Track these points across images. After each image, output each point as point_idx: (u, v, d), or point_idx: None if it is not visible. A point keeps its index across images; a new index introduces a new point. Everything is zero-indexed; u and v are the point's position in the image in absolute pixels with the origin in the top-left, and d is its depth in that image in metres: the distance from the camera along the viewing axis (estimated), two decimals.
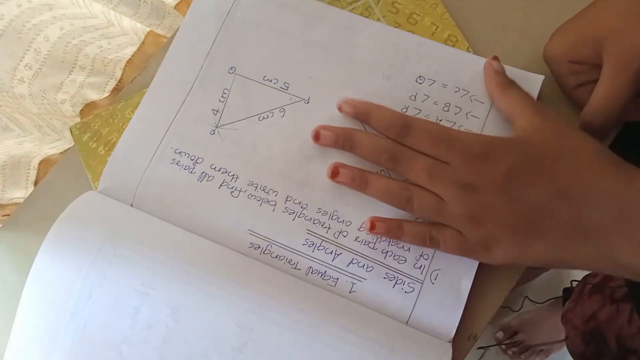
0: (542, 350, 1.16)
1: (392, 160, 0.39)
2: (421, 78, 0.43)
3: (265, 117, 0.44)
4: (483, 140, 0.37)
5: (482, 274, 0.40)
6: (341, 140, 0.41)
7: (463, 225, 0.37)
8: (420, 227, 0.39)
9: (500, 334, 1.20)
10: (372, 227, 0.40)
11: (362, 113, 0.41)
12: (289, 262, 0.41)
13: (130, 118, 0.45)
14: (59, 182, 0.48)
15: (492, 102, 0.42)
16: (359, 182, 0.40)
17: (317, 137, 0.41)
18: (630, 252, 0.33)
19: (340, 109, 0.42)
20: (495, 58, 0.42)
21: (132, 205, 0.43)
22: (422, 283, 0.40)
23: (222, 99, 0.44)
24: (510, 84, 0.40)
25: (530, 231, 0.35)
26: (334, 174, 0.41)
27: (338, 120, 0.43)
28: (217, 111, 0.44)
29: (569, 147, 0.36)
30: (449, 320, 0.40)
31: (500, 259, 0.36)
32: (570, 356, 0.79)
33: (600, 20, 0.38)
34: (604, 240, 0.33)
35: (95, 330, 0.39)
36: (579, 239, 0.34)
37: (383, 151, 0.39)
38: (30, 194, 0.48)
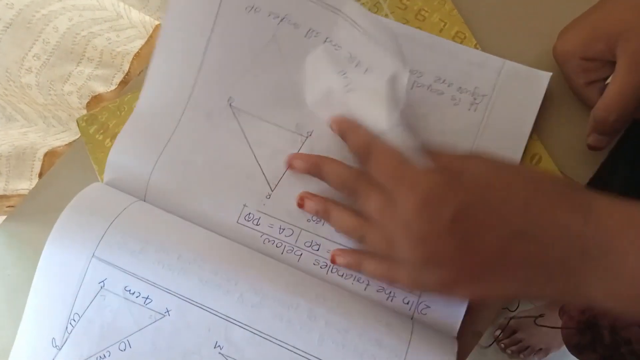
0: (540, 349, 1.16)
1: (352, 194, 0.39)
2: (422, 73, 0.44)
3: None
4: (429, 182, 0.34)
5: None
6: (312, 169, 0.41)
7: (417, 269, 0.34)
8: (380, 264, 0.38)
9: (498, 333, 1.20)
10: (333, 260, 0.41)
11: (342, 131, 0.40)
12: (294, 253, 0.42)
13: None
14: (64, 174, 0.48)
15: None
16: (322, 213, 0.40)
17: (290, 165, 0.42)
18: (600, 290, 0.31)
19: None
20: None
21: (144, 200, 0.43)
22: None
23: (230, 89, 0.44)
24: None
25: (489, 271, 0.33)
26: (300, 204, 0.41)
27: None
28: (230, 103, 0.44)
29: (512, 183, 0.33)
30: (453, 315, 0.40)
31: (463, 297, 0.35)
32: (569, 356, 0.79)
33: (613, 15, 0.38)
34: (569, 278, 0.31)
35: (101, 322, 0.39)
36: (543, 277, 0.32)
37: (344, 184, 0.39)
38: (36, 185, 0.49)
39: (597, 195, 0.32)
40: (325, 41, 0.44)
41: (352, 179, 0.38)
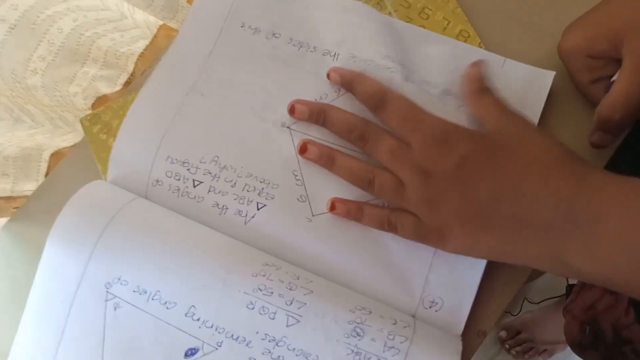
0: (545, 350, 1.16)
1: (360, 139, 0.39)
2: (429, 72, 0.44)
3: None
4: (446, 127, 0.37)
5: (491, 270, 0.40)
6: (315, 115, 0.41)
7: (419, 209, 0.37)
8: (379, 210, 0.40)
9: (503, 333, 1.20)
10: (333, 208, 0.40)
11: (347, 82, 0.42)
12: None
13: None
14: (68, 174, 0.48)
15: (466, 106, 0.41)
16: (326, 159, 0.40)
17: (292, 110, 0.42)
18: (579, 256, 0.32)
19: (328, 76, 0.43)
20: (476, 65, 0.40)
21: (145, 196, 0.43)
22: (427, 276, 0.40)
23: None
24: (485, 91, 0.39)
25: (480, 223, 0.34)
26: (302, 150, 0.41)
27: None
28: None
29: (524, 144, 0.35)
30: (458, 314, 0.39)
31: (453, 247, 0.37)
32: (573, 356, 0.78)
33: (618, 14, 0.38)
34: (552, 241, 0.32)
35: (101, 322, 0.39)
36: (526, 237, 0.33)
37: (353, 129, 0.40)
38: (40, 185, 0.49)
39: (595, 168, 0.33)
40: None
41: (361, 125, 0.40)
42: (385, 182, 0.38)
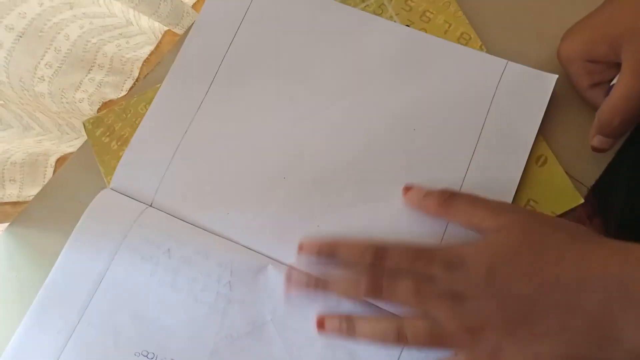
0: None
1: (372, 290, 0.35)
2: (430, 76, 0.43)
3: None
4: (458, 249, 0.35)
5: None
6: (313, 283, 0.38)
7: (465, 341, 0.33)
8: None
9: None
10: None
11: (327, 250, 0.38)
12: None
13: (144, 113, 0.45)
14: (71, 177, 0.48)
15: (446, 222, 0.40)
16: (347, 329, 0.37)
17: (288, 280, 0.39)
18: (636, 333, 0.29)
19: (300, 249, 0.39)
20: (407, 188, 0.40)
21: (151, 205, 0.43)
22: None
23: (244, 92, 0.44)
24: (448, 197, 0.37)
25: (528, 330, 0.31)
26: (320, 325, 0.38)
27: (338, 132, 0.43)
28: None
29: (545, 237, 0.33)
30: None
31: None
32: None
33: (616, 18, 0.38)
34: (610, 324, 0.29)
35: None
36: (580, 326, 0.30)
37: (360, 284, 0.36)
38: (43, 188, 0.49)
39: (633, 243, 0.31)
40: None
41: (367, 277, 0.36)
42: (418, 330, 0.34)
